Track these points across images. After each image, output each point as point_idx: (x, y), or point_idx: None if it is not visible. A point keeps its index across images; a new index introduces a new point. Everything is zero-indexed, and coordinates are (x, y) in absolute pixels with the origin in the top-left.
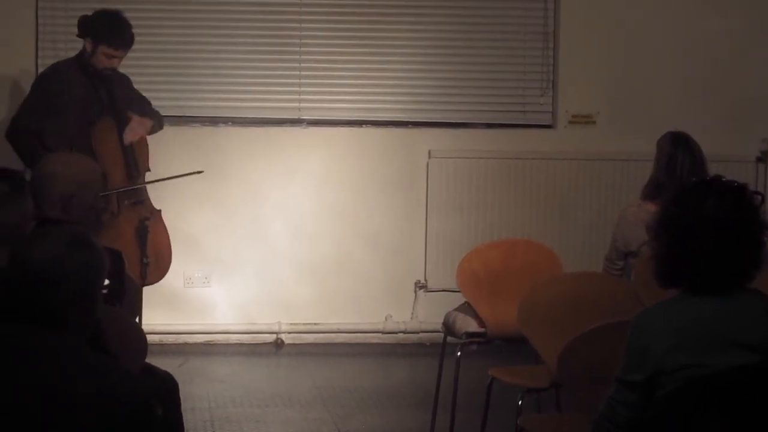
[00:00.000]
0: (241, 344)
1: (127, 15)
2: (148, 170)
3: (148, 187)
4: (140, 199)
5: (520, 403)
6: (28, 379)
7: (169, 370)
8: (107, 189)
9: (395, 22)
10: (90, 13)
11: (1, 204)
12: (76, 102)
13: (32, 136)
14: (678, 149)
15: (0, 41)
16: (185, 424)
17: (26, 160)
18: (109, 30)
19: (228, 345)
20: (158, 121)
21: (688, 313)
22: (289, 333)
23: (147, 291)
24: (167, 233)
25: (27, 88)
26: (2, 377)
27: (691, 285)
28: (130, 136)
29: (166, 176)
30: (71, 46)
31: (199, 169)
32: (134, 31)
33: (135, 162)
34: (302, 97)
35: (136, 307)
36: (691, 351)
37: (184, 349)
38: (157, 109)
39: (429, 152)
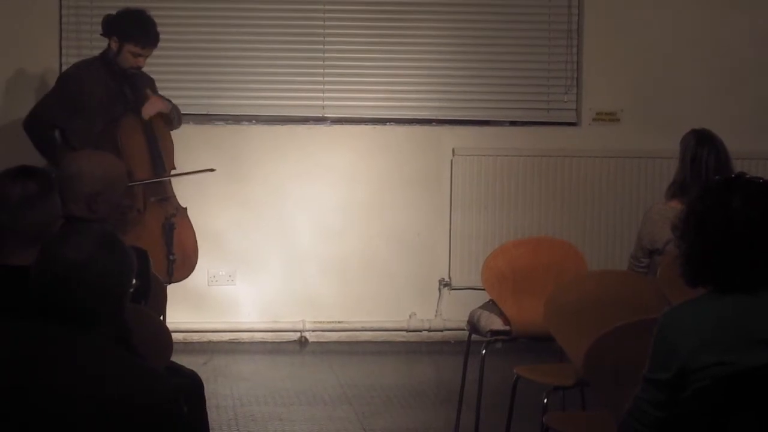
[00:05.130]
0: (266, 342)
1: (151, 14)
2: (174, 168)
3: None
4: (166, 196)
5: (545, 401)
6: (55, 378)
7: (194, 369)
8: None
9: (419, 19)
10: (114, 11)
11: (30, 204)
12: (100, 101)
13: (49, 128)
14: (702, 147)
15: (24, 39)
16: (210, 422)
17: (44, 151)
18: (135, 29)
19: (252, 343)
20: (177, 116)
21: (715, 312)
22: (314, 331)
23: (171, 289)
24: (193, 230)
25: (50, 85)
26: (30, 376)
27: (717, 283)
28: (149, 110)
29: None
30: (95, 44)
31: (212, 167)
32: (158, 29)
33: (161, 159)
34: (326, 95)
35: (161, 306)
36: (718, 349)
37: (208, 348)
38: (178, 107)
39: (453, 150)
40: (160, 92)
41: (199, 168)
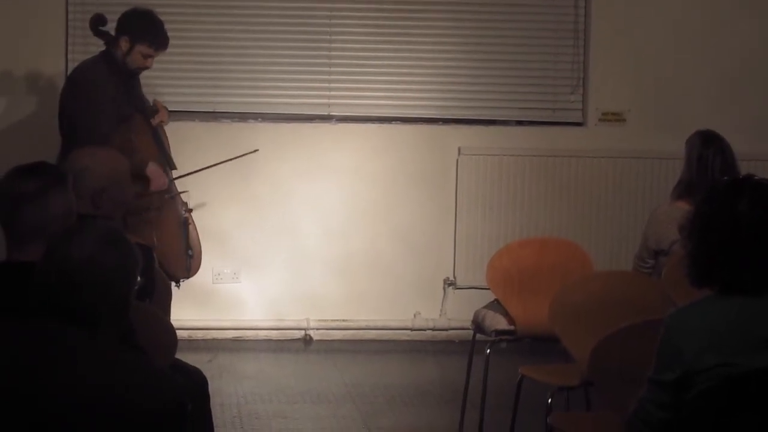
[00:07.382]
0: (270, 340)
1: (158, 11)
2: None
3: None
4: (173, 194)
5: (549, 401)
6: (57, 378)
7: (198, 366)
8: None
9: (425, 18)
10: (120, 11)
11: (28, 200)
12: (109, 101)
13: (103, 137)
14: (708, 148)
15: (30, 37)
16: (214, 420)
17: None
18: (150, 30)
19: (257, 341)
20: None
21: (721, 313)
22: (318, 329)
23: (176, 287)
24: (195, 224)
25: (57, 83)
26: (34, 375)
27: (723, 284)
28: (158, 118)
29: (215, 162)
30: (102, 44)
31: (255, 149)
32: (165, 27)
33: (168, 156)
34: (332, 93)
35: (166, 304)
36: (724, 351)
37: (213, 345)
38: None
39: (459, 149)
40: (168, 90)
41: (244, 152)
